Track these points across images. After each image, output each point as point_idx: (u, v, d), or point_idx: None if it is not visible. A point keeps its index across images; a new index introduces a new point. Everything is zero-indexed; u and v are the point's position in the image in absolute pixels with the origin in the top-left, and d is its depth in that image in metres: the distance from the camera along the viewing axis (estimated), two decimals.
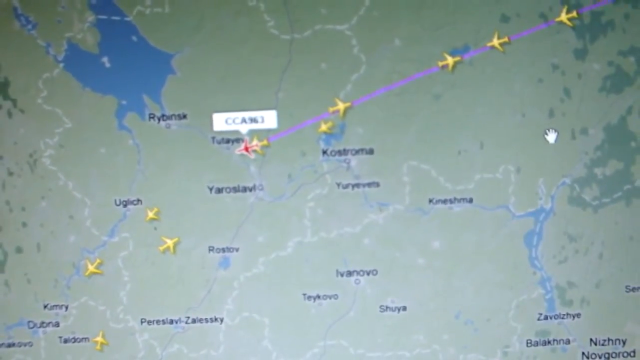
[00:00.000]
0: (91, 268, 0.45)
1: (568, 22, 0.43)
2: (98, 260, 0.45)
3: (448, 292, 0.45)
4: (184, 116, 0.44)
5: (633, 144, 0.44)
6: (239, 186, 0.44)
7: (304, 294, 0.45)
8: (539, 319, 0.45)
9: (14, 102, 0.45)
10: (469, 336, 0.45)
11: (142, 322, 0.45)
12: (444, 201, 0.44)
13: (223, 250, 0.45)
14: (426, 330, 0.45)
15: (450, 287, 0.45)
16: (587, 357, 0.45)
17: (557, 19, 0.43)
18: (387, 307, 0.45)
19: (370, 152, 0.44)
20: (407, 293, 0.45)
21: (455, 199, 0.44)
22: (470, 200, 0.44)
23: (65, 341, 0.45)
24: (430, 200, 0.44)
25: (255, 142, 0.44)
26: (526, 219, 0.44)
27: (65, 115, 0.45)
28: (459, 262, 0.45)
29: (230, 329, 0.45)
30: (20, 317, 0.46)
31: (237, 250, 0.45)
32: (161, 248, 0.45)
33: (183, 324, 0.45)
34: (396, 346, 0.45)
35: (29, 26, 0.44)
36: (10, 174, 0.45)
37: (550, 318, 0.45)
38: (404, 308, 0.45)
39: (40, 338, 0.45)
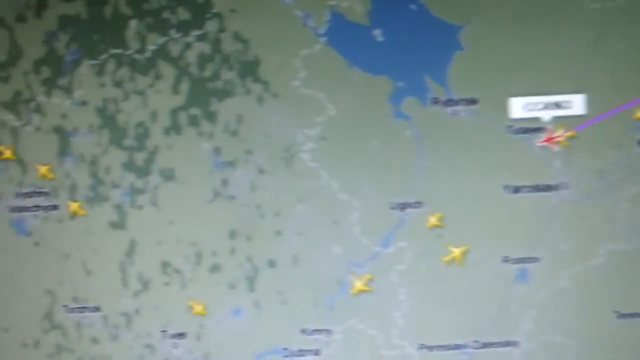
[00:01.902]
0: (359, 285, 0.38)
1: None
2: (368, 276, 0.38)
3: None
4: (474, 101, 0.37)
5: None
6: (539, 185, 0.38)
7: (616, 312, 0.38)
8: None
9: (266, 85, 0.37)
10: None
11: (420, 348, 0.38)
12: None
13: (520, 260, 0.38)
14: None
15: None
16: None
17: None
18: None
19: None
20: None
21: None
22: None
23: None
24: None
25: (560, 131, 0.37)
26: None
27: (328, 101, 0.37)
28: None
29: (527, 354, 0.38)
30: (274, 344, 0.39)
31: (537, 260, 0.38)
32: (446, 259, 0.38)
33: (470, 350, 0.38)
34: None
35: None
36: (262, 172, 0.38)
37: None
38: None
39: None
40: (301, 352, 0.40)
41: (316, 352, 0.40)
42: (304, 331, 0.40)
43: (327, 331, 0.40)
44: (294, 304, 0.39)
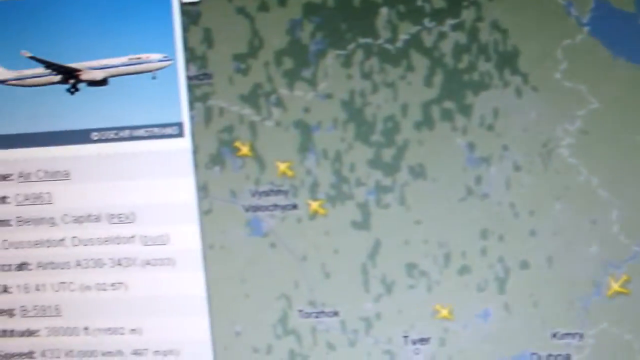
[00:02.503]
0: (615, 286, 0.36)
1: None
2: (625, 277, 0.36)
3: None
4: None
5: None
6: None
7: None
8: None
9: (525, 77, 0.36)
10: None
11: None
12: None
13: None
14: None
15: None
16: None
17: None
18: None
19: None
20: None
21: None
22: None
23: None
24: None
25: None
26: None
27: (590, 93, 0.36)
28: None
29: None
30: (522, 349, 0.37)
31: None
32: None
33: None
34: None
35: None
36: (518, 168, 0.36)
37: None
38: None
39: None
40: (551, 357, 0.38)
41: (567, 357, 0.38)
42: (555, 335, 0.38)
43: (579, 335, 0.38)
44: (545, 307, 0.38)
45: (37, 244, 0.40)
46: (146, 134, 0.39)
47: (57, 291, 0.40)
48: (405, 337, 0.39)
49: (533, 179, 0.37)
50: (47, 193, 0.40)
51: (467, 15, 0.37)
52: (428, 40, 0.37)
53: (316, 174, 0.38)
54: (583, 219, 0.37)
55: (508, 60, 0.37)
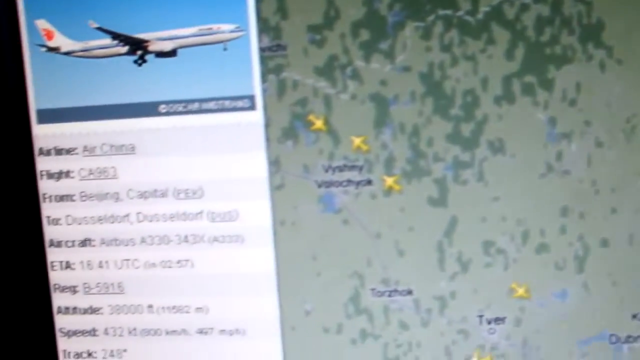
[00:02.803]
0: None
1: None
2: None
3: None
4: None
5: None
6: None
7: None
8: None
9: (610, 50, 0.35)
10: None
11: None
12: None
13: None
14: None
15: None
16: None
17: None
18: None
19: None
20: None
21: None
22: None
23: None
24: None
25: None
26: None
27: None
28: None
29: None
30: (601, 329, 0.36)
31: None
32: None
33: None
34: None
35: None
36: (600, 144, 0.35)
37: None
38: None
39: (624, 355, 0.36)
40: (630, 339, 0.38)
41: None
42: (634, 316, 0.37)
43: None
44: (625, 287, 0.37)
45: (100, 219, 0.39)
46: (216, 107, 0.38)
47: (120, 268, 0.40)
48: (480, 316, 0.38)
49: (615, 156, 0.36)
50: (112, 167, 0.39)
51: None
52: (510, 12, 0.36)
53: (392, 148, 0.37)
54: None
55: (592, 33, 0.36)
